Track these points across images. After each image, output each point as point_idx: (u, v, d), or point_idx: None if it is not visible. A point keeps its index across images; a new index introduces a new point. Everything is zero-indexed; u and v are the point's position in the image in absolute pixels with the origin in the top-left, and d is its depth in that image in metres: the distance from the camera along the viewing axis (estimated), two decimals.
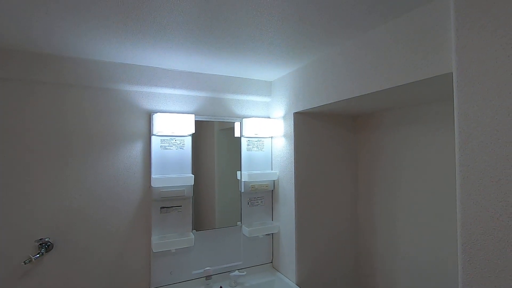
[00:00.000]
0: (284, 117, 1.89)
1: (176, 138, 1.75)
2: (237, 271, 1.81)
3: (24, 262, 1.32)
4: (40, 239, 1.42)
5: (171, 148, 1.74)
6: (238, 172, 1.93)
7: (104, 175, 1.58)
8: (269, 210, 2.04)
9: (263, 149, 2.02)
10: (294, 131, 1.78)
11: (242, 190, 1.93)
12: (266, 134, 1.92)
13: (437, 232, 1.51)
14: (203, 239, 1.82)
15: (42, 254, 1.39)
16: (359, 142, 2.01)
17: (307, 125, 1.84)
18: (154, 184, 1.63)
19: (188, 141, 1.79)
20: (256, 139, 2.00)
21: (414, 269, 1.62)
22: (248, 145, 1.97)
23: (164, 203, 1.71)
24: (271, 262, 2.04)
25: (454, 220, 1.41)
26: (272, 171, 2.01)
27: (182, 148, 1.77)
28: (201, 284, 1.77)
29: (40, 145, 1.45)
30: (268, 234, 2.01)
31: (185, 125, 1.65)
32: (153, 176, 1.67)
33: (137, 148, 1.67)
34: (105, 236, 1.58)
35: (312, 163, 1.85)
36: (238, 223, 1.92)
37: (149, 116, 1.71)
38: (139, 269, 1.65)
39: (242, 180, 1.92)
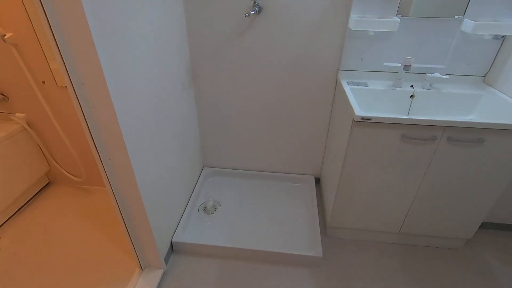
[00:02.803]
0: None
1: None
2: (437, 73, 1.55)
3: (245, 14, 1.50)
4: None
5: None
6: None
7: None
8: None
9: None
10: None
11: None
12: None
13: None
14: (407, 28, 1.54)
15: (256, 12, 1.53)
16: None
17: None
18: None
19: None
20: None
21: None
22: None
23: None
24: (484, 76, 1.62)
25: None
26: None
27: None
28: (390, 78, 1.66)
29: None
30: (498, 37, 1.50)
31: None
32: None
33: None
34: (304, 6, 1.55)
35: None
36: (456, 16, 1.48)
37: None
38: (332, 48, 1.65)
39: None
